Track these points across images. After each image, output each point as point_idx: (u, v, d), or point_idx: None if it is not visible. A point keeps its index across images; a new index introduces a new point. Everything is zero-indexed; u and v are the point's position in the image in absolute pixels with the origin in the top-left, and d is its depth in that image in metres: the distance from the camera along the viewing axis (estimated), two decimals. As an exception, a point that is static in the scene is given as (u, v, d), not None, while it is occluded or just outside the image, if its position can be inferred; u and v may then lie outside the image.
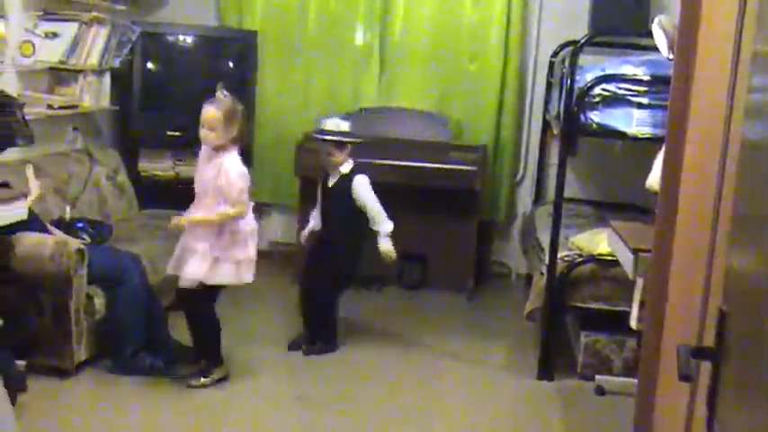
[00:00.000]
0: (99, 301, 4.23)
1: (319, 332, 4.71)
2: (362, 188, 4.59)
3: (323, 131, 4.60)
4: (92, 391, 4.07)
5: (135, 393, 4.02)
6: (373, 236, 4.64)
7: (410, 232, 5.83)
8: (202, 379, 4.11)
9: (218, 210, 3.97)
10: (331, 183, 4.64)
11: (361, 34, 6.17)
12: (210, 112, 3.94)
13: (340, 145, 4.54)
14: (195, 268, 3.99)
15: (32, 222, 4.22)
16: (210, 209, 3.98)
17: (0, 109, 3.99)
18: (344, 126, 4.62)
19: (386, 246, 4.63)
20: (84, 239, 4.45)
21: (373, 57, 6.13)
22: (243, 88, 6.02)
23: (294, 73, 6.20)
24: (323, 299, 4.71)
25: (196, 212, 4.04)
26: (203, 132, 3.98)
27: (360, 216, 4.62)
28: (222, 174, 3.95)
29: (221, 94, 4.01)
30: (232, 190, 3.95)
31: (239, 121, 4.00)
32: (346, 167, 4.61)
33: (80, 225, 4.66)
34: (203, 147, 4.07)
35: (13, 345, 3.79)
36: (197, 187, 4.08)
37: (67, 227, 4.57)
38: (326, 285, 4.69)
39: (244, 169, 4.02)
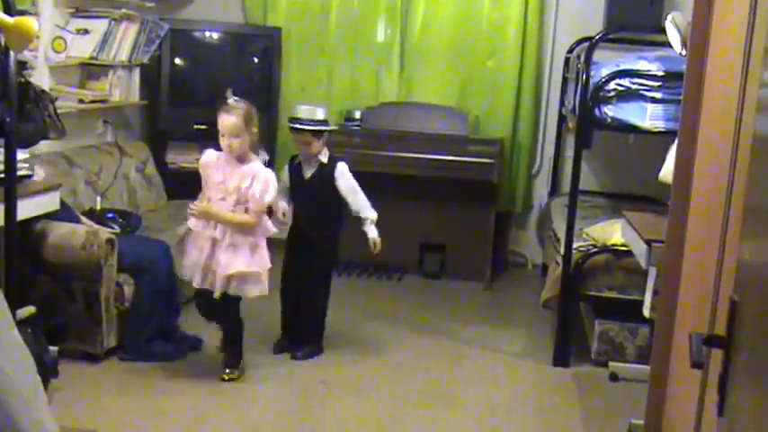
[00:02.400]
0: (128, 289, 4.30)
1: (308, 335, 4.52)
2: (346, 176, 4.41)
3: (297, 120, 4.36)
4: (120, 376, 4.13)
5: (163, 379, 4.08)
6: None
7: (430, 223, 5.95)
8: (236, 372, 4.15)
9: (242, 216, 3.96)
10: (308, 174, 4.41)
11: (382, 31, 6.26)
12: (230, 120, 3.91)
13: (317, 133, 4.33)
14: (243, 262, 3.96)
15: (64, 213, 4.32)
16: (237, 213, 3.96)
17: (33, 103, 3.99)
18: (320, 113, 4.38)
19: (374, 233, 4.45)
20: (114, 229, 4.52)
21: (394, 53, 6.22)
22: (267, 83, 6.13)
23: (317, 69, 6.29)
24: (320, 301, 4.54)
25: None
26: (228, 141, 3.92)
27: (339, 206, 4.44)
28: (258, 182, 3.92)
29: (233, 100, 3.97)
30: (263, 200, 3.94)
31: (256, 121, 4.00)
32: (324, 156, 4.40)
33: (110, 215, 4.73)
34: (216, 154, 4.02)
35: (45, 331, 3.86)
36: (215, 192, 3.99)
37: (98, 217, 4.65)
38: (320, 286, 4.52)
39: (274, 184, 4.01)
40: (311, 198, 4.43)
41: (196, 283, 4.03)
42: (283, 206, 4.37)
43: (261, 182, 3.94)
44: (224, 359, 4.18)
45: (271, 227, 4.05)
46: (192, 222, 4.02)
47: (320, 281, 4.52)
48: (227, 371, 4.12)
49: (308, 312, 4.52)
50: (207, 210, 3.96)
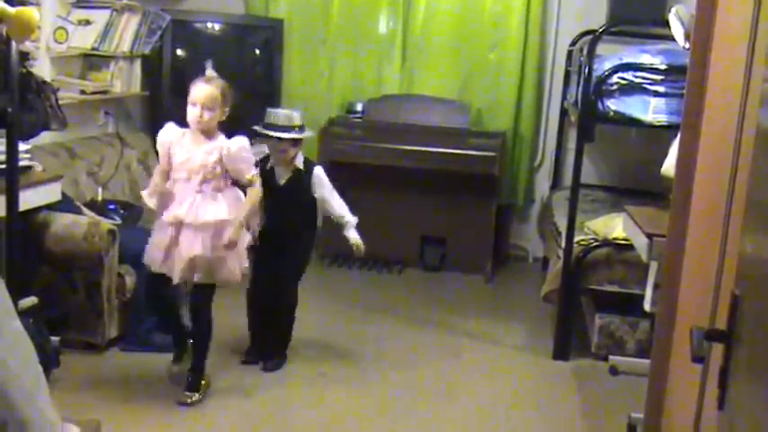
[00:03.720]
0: (130, 280, 4.31)
1: (277, 344, 4.33)
2: (324, 180, 4.24)
3: (272, 126, 4.10)
4: (122, 367, 4.14)
5: (163, 369, 4.05)
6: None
7: (431, 216, 5.96)
8: (196, 395, 3.85)
9: (221, 192, 3.75)
10: (282, 180, 4.18)
11: (384, 23, 6.25)
12: (209, 90, 3.69)
13: (296, 141, 4.15)
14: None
15: (66, 204, 4.33)
16: (206, 194, 3.72)
17: (34, 94, 4.00)
18: (297, 117, 4.15)
19: (355, 237, 4.26)
20: (115, 220, 4.53)
21: (396, 45, 6.21)
22: (269, 75, 6.13)
23: (319, 60, 6.28)
24: (292, 309, 4.34)
25: (184, 200, 3.72)
26: (198, 112, 3.67)
27: (314, 212, 4.26)
28: (229, 156, 3.70)
29: (211, 72, 3.78)
30: (247, 164, 3.76)
31: (231, 99, 3.79)
32: (300, 162, 4.21)
33: (112, 207, 4.74)
34: (179, 130, 3.80)
35: (47, 321, 3.87)
36: (178, 172, 3.74)
37: (99, 208, 4.66)
38: (292, 294, 4.32)
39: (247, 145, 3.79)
40: (285, 204, 4.17)
41: (155, 268, 3.80)
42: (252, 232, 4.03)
43: (233, 151, 3.70)
44: (186, 376, 3.90)
45: (245, 206, 3.81)
46: (152, 203, 3.79)
47: (293, 287, 4.32)
48: (188, 393, 3.84)
49: (280, 321, 4.33)
50: (236, 237, 3.71)
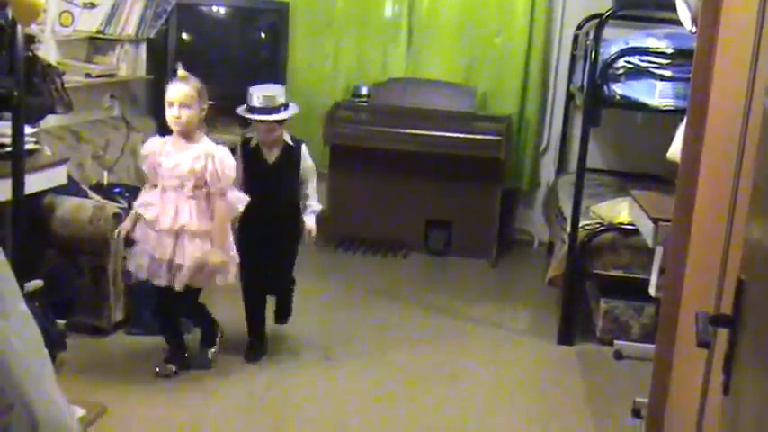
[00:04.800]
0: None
1: (260, 333, 4.26)
2: (309, 158, 4.18)
3: (257, 110, 3.98)
4: (127, 350, 4.16)
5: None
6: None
7: (436, 200, 5.96)
8: (213, 350, 4.08)
9: (213, 197, 3.75)
10: (271, 159, 4.08)
11: (390, 7, 6.23)
12: (184, 89, 3.71)
13: (282, 120, 4.04)
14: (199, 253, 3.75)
15: (71, 187, 4.34)
16: (199, 199, 3.74)
17: (40, 77, 4.00)
18: (281, 96, 4.03)
19: (312, 223, 4.16)
20: (121, 204, 4.54)
21: (402, 29, 6.20)
22: (274, 59, 6.12)
23: (324, 44, 6.27)
24: (292, 292, 4.33)
25: (180, 208, 3.73)
26: (176, 113, 3.70)
27: (299, 190, 4.18)
28: (213, 162, 3.71)
29: (183, 72, 3.78)
30: (224, 180, 3.74)
31: (206, 99, 3.78)
32: (288, 138, 4.12)
33: (117, 190, 4.76)
34: (161, 140, 3.84)
35: (53, 304, 3.89)
36: (169, 181, 3.74)
37: (105, 192, 4.67)
38: (292, 278, 4.30)
39: (232, 160, 3.81)
40: (277, 182, 4.08)
41: (159, 281, 3.77)
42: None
43: (219, 161, 3.73)
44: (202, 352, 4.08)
45: (236, 204, 3.86)
46: (150, 214, 3.76)
47: (290, 267, 4.27)
48: (209, 353, 4.05)
49: (282, 307, 4.33)
50: (221, 250, 3.76)
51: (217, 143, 3.86)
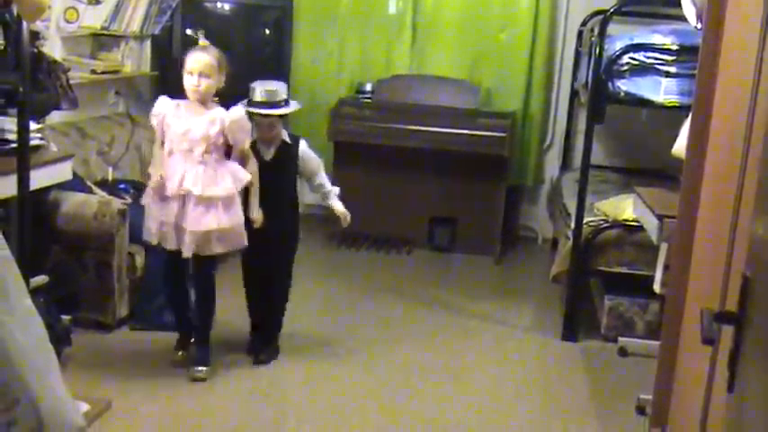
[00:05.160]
0: (140, 260, 4.35)
1: (269, 334, 4.21)
2: (311, 153, 4.15)
3: (259, 104, 3.95)
4: (132, 346, 4.17)
5: (173, 348, 4.07)
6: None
7: (440, 196, 5.96)
8: (207, 368, 3.89)
9: (222, 164, 3.76)
10: (269, 156, 4.04)
11: (394, 3, 6.23)
12: (205, 58, 3.70)
13: (283, 115, 4.04)
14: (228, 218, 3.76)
15: (76, 183, 4.35)
16: (209, 164, 3.73)
17: (45, 73, 4.01)
18: (282, 91, 4.03)
19: (341, 207, 4.18)
20: (125, 200, 4.55)
21: (406, 25, 6.19)
22: (278, 55, 6.13)
23: (328, 40, 6.27)
24: (286, 293, 4.24)
25: (187, 172, 3.71)
26: (196, 81, 3.69)
27: (296, 189, 4.16)
28: (231, 126, 3.72)
29: (204, 41, 3.77)
30: (245, 135, 3.79)
31: (226, 67, 3.78)
32: (285, 135, 4.09)
33: (122, 186, 4.76)
34: (173, 102, 3.81)
35: (58, 300, 3.91)
36: (178, 144, 3.73)
37: (110, 188, 4.68)
38: (288, 276, 4.21)
39: (248, 121, 3.83)
40: (274, 180, 4.03)
41: (169, 245, 3.78)
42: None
43: (236, 125, 3.74)
44: (194, 353, 3.95)
45: (246, 174, 3.83)
46: (155, 181, 3.76)
47: (288, 269, 4.20)
48: (199, 368, 3.87)
49: (274, 308, 4.21)
50: (258, 217, 3.86)
51: None
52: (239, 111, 3.80)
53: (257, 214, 3.89)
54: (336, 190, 4.21)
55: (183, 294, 4.02)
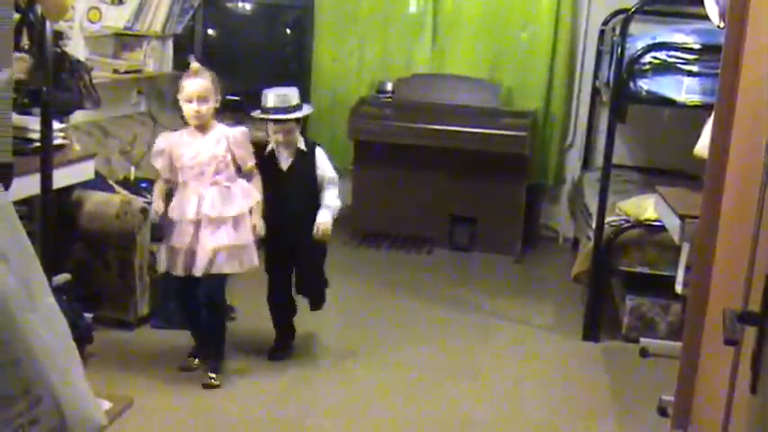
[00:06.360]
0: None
1: (290, 333, 4.26)
2: (326, 159, 4.09)
3: (272, 109, 3.95)
4: (153, 344, 4.19)
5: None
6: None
7: (460, 195, 5.96)
8: (219, 377, 3.86)
9: (234, 182, 3.79)
10: (285, 165, 4.01)
11: (414, 2, 6.22)
12: (201, 84, 3.72)
13: (298, 119, 4.01)
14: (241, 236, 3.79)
15: (99, 182, 4.38)
16: (221, 184, 3.76)
17: (69, 73, 4.05)
18: (295, 95, 4.00)
19: (325, 218, 4.03)
20: (147, 199, 4.56)
21: (426, 24, 6.19)
22: (299, 54, 6.14)
23: (349, 40, 6.28)
24: (323, 292, 4.24)
25: (202, 198, 3.73)
26: (196, 107, 3.72)
27: (318, 195, 4.07)
28: (236, 143, 3.77)
29: (196, 65, 3.79)
30: (250, 158, 3.83)
31: (219, 87, 3.80)
32: (301, 142, 4.04)
33: (144, 185, 4.77)
34: (175, 133, 3.86)
35: (80, 298, 3.93)
36: (190, 171, 3.75)
37: (132, 186, 4.71)
38: (323, 281, 4.23)
39: (249, 137, 3.86)
40: (292, 190, 4.01)
41: (180, 272, 3.79)
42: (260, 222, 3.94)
43: (240, 141, 3.79)
44: (206, 361, 3.93)
45: (257, 193, 3.86)
46: (174, 213, 3.78)
47: (320, 276, 4.20)
48: (212, 375, 3.85)
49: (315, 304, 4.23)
50: (259, 228, 3.84)
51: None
52: (241, 128, 3.85)
53: (258, 222, 3.87)
54: (333, 204, 4.07)
55: (198, 316, 3.99)
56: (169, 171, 3.83)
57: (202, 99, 3.73)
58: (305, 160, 4.03)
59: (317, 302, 4.24)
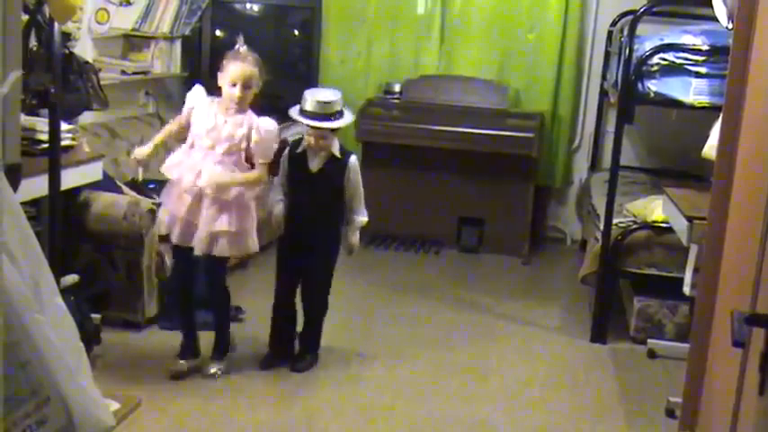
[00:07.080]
0: (169, 259, 4.33)
1: (310, 344, 4.13)
2: (357, 172, 3.95)
3: (311, 114, 3.79)
4: (161, 344, 4.18)
5: (202, 347, 4.05)
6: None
7: (468, 197, 5.96)
8: (221, 366, 3.91)
9: (241, 169, 3.73)
10: (315, 167, 3.88)
11: (423, 4, 6.23)
12: (249, 69, 3.65)
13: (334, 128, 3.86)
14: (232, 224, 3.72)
15: (106, 183, 4.37)
16: (226, 165, 3.70)
17: (77, 74, 4.05)
18: (338, 101, 3.84)
19: (356, 238, 4.00)
20: (155, 200, 4.57)
21: (434, 26, 6.20)
22: (307, 55, 6.15)
23: (357, 41, 6.29)
24: (325, 305, 4.13)
25: (203, 170, 3.68)
26: (239, 91, 3.63)
27: (342, 203, 3.97)
28: (259, 132, 3.70)
29: (244, 48, 3.70)
30: (268, 151, 3.75)
31: (264, 71, 3.74)
32: (336, 148, 3.90)
33: (152, 186, 4.77)
34: (209, 97, 3.77)
35: (88, 299, 3.94)
36: (202, 139, 3.70)
37: (140, 188, 4.67)
38: (325, 290, 4.10)
39: (275, 135, 3.78)
40: (316, 193, 3.91)
41: (175, 238, 3.77)
42: (278, 212, 3.92)
43: (262, 134, 3.71)
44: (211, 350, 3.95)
45: (274, 198, 3.89)
46: (173, 172, 3.76)
47: (325, 284, 4.08)
48: (212, 367, 3.88)
49: (311, 320, 4.11)
50: (217, 181, 3.66)
51: None
52: (270, 124, 3.75)
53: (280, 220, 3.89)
54: (361, 220, 4.01)
55: (189, 294, 3.96)
56: (186, 119, 3.79)
57: (247, 86, 3.66)
58: (336, 167, 3.91)
59: (303, 358, 4.08)
